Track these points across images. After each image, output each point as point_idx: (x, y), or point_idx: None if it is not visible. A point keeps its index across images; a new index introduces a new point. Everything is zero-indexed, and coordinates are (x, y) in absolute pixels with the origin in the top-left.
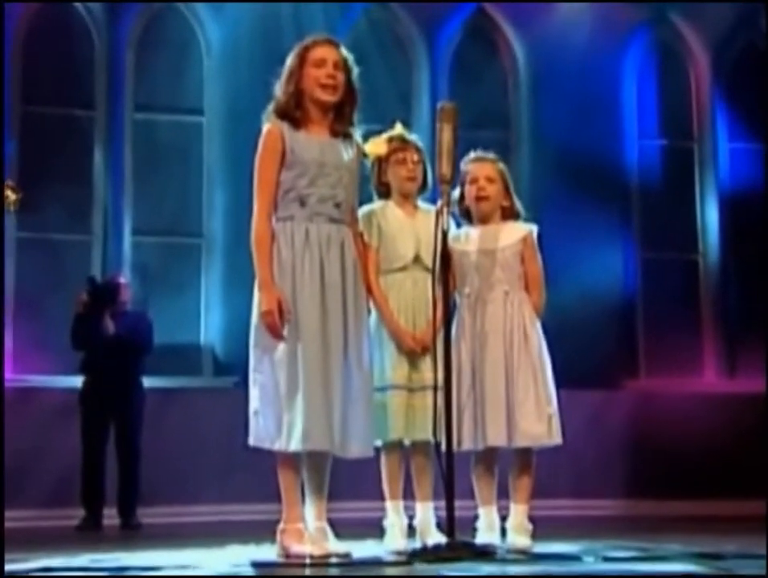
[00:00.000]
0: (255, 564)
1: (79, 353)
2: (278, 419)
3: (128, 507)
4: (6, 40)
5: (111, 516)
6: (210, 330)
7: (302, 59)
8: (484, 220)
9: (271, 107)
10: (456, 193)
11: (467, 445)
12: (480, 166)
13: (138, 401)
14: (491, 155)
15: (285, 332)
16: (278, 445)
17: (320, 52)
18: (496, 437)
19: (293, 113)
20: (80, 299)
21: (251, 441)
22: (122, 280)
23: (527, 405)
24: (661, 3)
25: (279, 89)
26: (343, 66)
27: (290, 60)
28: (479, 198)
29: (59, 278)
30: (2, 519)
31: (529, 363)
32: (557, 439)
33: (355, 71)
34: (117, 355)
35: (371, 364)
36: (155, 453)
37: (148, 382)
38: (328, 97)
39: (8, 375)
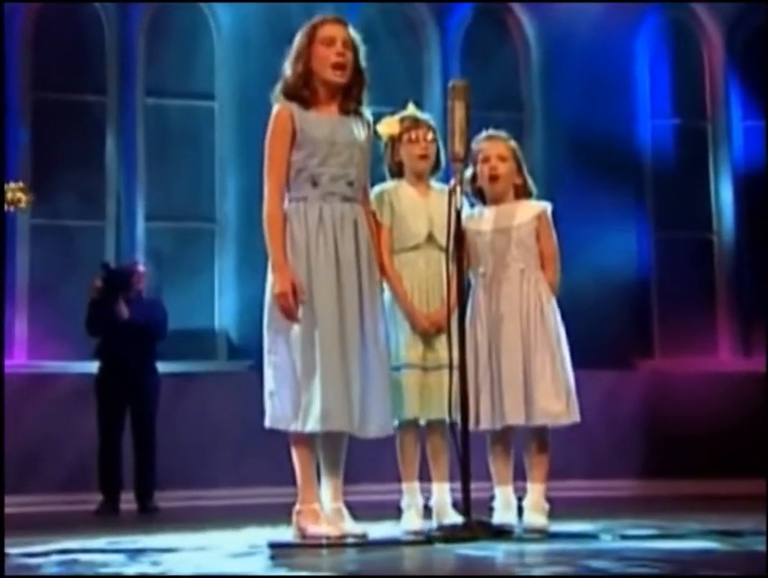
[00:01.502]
0: (272, 545)
1: (94, 339)
2: (295, 400)
3: (145, 492)
4: (17, 27)
5: (128, 501)
6: (223, 314)
7: (311, 38)
8: (497, 199)
9: (279, 87)
10: (469, 172)
11: (484, 424)
12: (492, 145)
13: (153, 386)
14: (502, 133)
15: (300, 313)
16: (294, 427)
17: (329, 30)
18: (515, 415)
19: (302, 93)
20: (95, 285)
21: (268, 423)
22: (140, 267)
23: (545, 382)
24: None
25: (287, 68)
26: (352, 45)
27: (298, 39)
28: (491, 177)
29: (72, 265)
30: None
31: (546, 341)
32: (575, 417)
33: (362, 50)
34: (132, 340)
35: (387, 342)
36: (171, 438)
37: (162, 367)
38: (338, 78)
39: (23, 361)
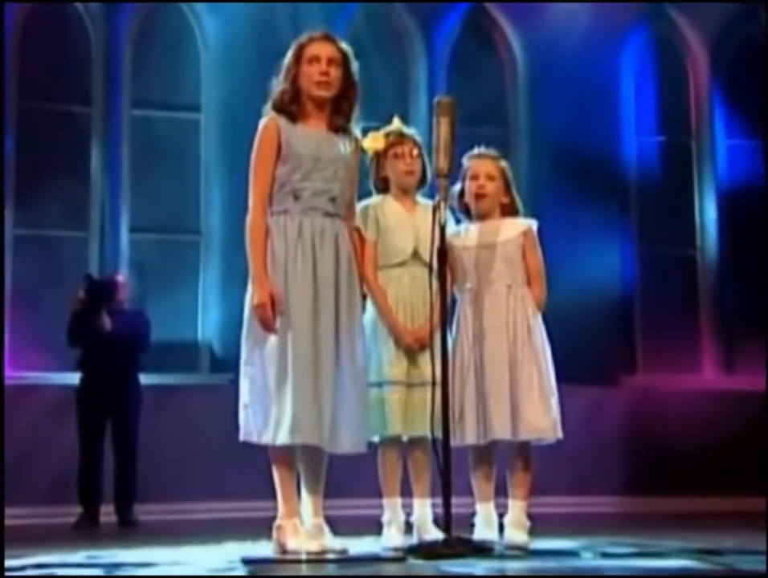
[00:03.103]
0: (246, 561)
1: (76, 350)
2: (266, 412)
3: (124, 504)
4: (3, 36)
5: (108, 513)
6: (207, 327)
7: (298, 57)
8: (483, 217)
9: (269, 103)
10: (457, 188)
11: (470, 439)
12: (481, 163)
13: (135, 398)
14: (493, 152)
15: (277, 325)
16: (265, 439)
17: (313, 49)
18: (501, 430)
19: (289, 108)
20: (77, 296)
21: (241, 436)
22: (120, 278)
23: (531, 398)
24: None
25: (277, 86)
26: (341, 61)
27: (287, 58)
28: (478, 195)
29: (56, 276)
30: (2, 520)
31: (532, 357)
32: (559, 433)
33: (354, 64)
34: (114, 352)
35: (365, 359)
36: (152, 450)
37: (145, 379)
38: (322, 93)
39: (5, 372)
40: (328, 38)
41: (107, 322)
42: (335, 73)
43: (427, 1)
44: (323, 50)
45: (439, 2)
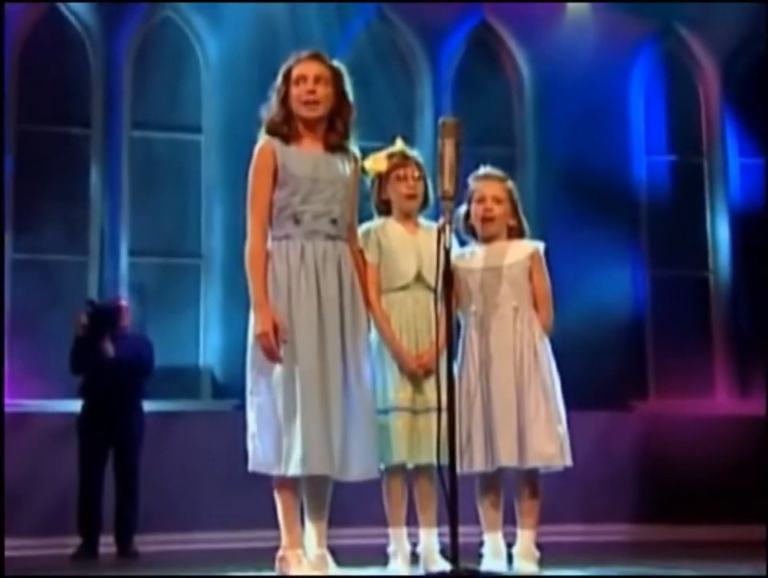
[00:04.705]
0: None
1: (77, 377)
2: (276, 443)
3: (124, 535)
4: (2, 57)
5: (107, 544)
6: (208, 352)
7: (286, 78)
8: (489, 239)
9: (263, 126)
10: (462, 210)
11: (477, 466)
12: (488, 185)
13: (138, 426)
14: (499, 173)
15: (282, 353)
16: (276, 471)
17: (300, 69)
18: (508, 457)
19: (282, 130)
20: (79, 321)
21: (250, 466)
22: (123, 303)
23: (538, 424)
24: (668, 15)
25: (269, 108)
26: (330, 78)
27: (277, 80)
28: (485, 219)
29: (55, 300)
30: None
31: (539, 382)
32: (568, 461)
33: (346, 80)
34: (117, 379)
35: (372, 383)
36: (153, 479)
37: (145, 405)
38: (309, 113)
39: (3, 399)
40: (316, 56)
41: (110, 348)
42: (323, 91)
43: (431, 12)
44: (309, 69)
45: (444, 20)
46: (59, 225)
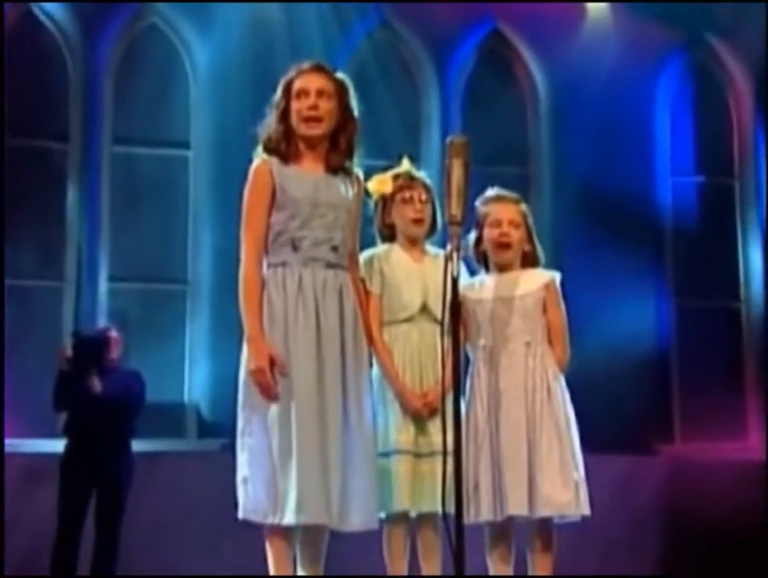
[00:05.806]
0: None
1: (61, 415)
2: (270, 488)
3: None
4: None
5: None
6: (194, 386)
7: (286, 92)
8: (504, 267)
9: (260, 144)
10: (472, 236)
11: (485, 515)
12: (503, 208)
13: (126, 469)
14: (513, 194)
15: (278, 389)
16: (271, 520)
17: (302, 82)
18: (517, 505)
19: (281, 148)
20: (63, 354)
21: (240, 514)
22: (112, 334)
23: (551, 469)
24: (697, 22)
25: (268, 124)
26: (334, 92)
27: (277, 94)
28: (501, 245)
29: (27, 329)
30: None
31: (552, 422)
32: (584, 509)
33: (351, 95)
34: (104, 417)
35: (374, 425)
36: (133, 524)
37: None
38: (311, 131)
39: None
40: (319, 68)
41: (97, 384)
42: (326, 106)
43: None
44: (311, 82)
45: (452, 28)
46: (33, 247)
